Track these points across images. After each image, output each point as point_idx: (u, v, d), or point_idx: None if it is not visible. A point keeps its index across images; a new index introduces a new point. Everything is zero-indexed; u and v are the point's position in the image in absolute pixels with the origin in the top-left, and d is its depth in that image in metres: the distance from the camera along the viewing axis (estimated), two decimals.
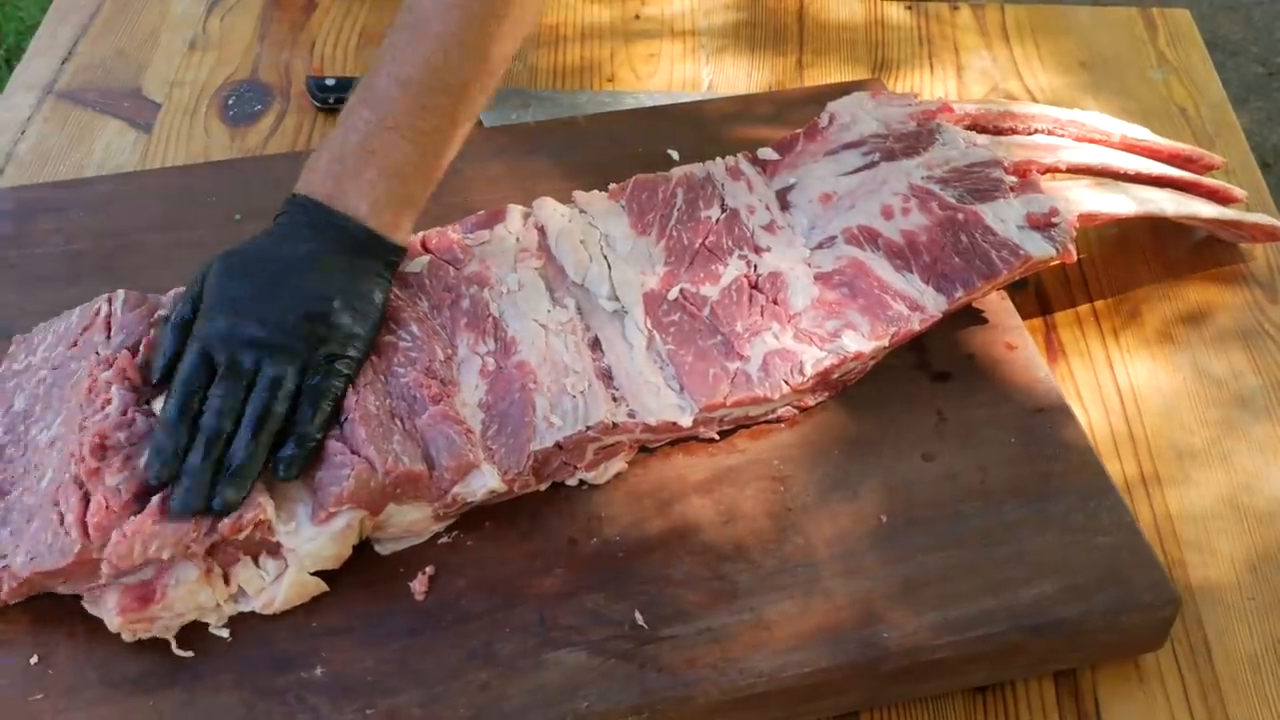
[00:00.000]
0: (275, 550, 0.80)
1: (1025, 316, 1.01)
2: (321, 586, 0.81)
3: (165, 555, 0.77)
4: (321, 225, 0.88)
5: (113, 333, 0.88)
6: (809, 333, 0.92)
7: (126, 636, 0.78)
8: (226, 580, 0.80)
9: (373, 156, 0.88)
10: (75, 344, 0.88)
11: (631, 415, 0.86)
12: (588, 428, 0.84)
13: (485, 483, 0.83)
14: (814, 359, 0.90)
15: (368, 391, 0.85)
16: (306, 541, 0.80)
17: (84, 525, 0.77)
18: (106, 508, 0.78)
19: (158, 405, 0.84)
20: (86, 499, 0.79)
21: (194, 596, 0.78)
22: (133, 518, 0.78)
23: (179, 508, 0.78)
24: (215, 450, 0.80)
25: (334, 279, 0.86)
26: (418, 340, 0.89)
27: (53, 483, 0.80)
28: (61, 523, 0.78)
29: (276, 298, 0.85)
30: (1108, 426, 0.99)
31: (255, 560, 0.80)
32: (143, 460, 0.81)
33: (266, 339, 0.83)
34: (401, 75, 0.88)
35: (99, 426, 0.81)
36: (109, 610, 0.78)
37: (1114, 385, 1.02)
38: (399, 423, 0.84)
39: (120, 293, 0.90)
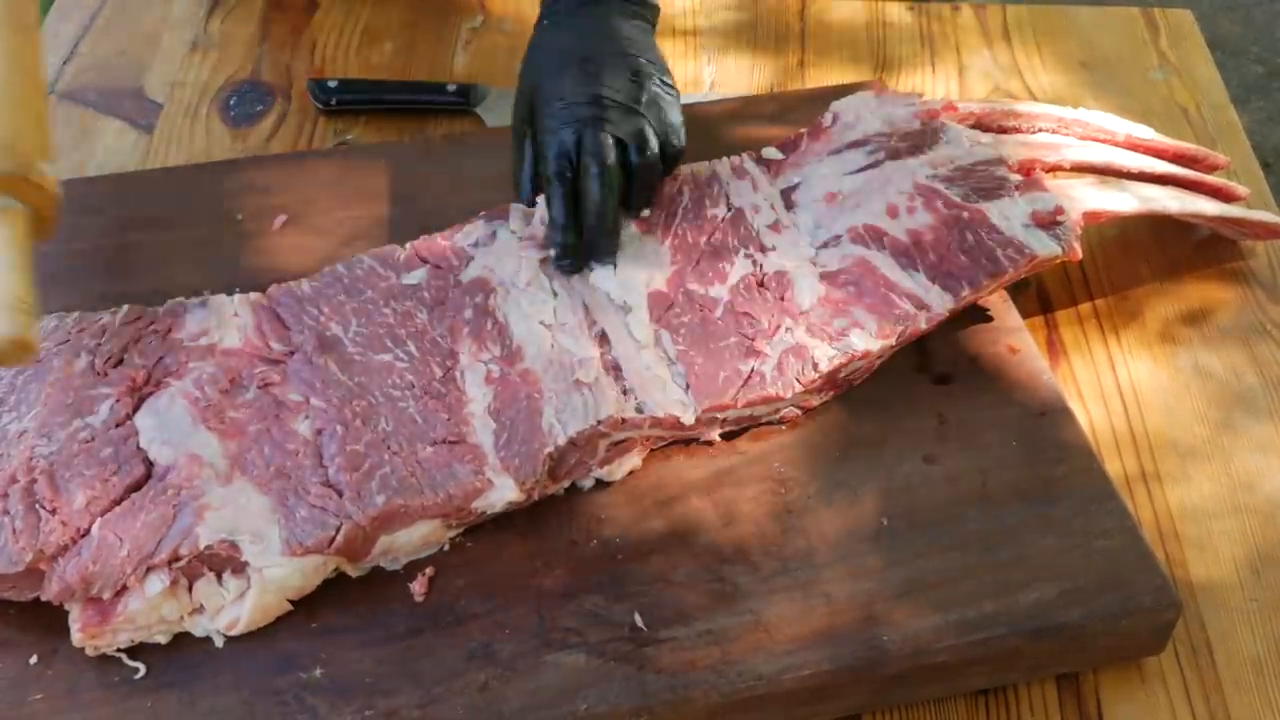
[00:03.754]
0: (240, 569, 0.79)
1: (1026, 315, 1.01)
2: (286, 607, 0.80)
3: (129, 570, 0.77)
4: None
5: (104, 339, 0.88)
6: (817, 329, 0.92)
7: (89, 651, 0.77)
8: (190, 594, 0.79)
9: None
10: (66, 340, 0.88)
11: (640, 409, 0.86)
12: (598, 422, 0.84)
13: (504, 495, 0.83)
14: (827, 356, 0.90)
15: (356, 428, 0.84)
16: (274, 566, 0.78)
17: (34, 537, 0.77)
18: (64, 524, 0.78)
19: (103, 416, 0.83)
20: (38, 509, 0.79)
21: (157, 610, 0.78)
22: (91, 537, 0.78)
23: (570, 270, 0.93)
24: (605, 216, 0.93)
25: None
26: (414, 360, 0.88)
27: (12, 480, 0.80)
28: (14, 532, 0.78)
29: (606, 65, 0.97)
30: (1109, 425, 0.99)
31: (219, 577, 0.79)
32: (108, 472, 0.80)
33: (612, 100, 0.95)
34: None
35: (73, 433, 0.81)
36: (72, 623, 0.78)
37: (1115, 384, 1.01)
38: (394, 455, 0.83)
39: (124, 307, 0.90)
